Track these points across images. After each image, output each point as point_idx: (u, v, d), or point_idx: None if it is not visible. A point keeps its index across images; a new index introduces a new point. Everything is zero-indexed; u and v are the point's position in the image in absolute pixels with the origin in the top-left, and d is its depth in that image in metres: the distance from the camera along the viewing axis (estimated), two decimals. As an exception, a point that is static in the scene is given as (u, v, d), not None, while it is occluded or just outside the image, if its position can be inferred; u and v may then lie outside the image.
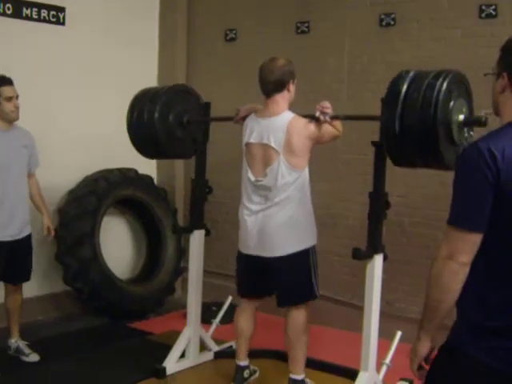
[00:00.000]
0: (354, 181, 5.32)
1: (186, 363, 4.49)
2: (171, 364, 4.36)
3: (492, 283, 2.09)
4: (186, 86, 4.78)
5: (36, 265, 5.53)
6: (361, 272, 4.48)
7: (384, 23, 5.20)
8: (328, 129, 3.90)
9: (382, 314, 3.92)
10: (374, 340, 3.77)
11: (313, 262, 3.98)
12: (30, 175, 4.73)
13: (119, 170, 5.85)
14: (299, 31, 5.70)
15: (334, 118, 3.83)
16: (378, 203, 3.70)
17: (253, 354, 4.34)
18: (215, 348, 4.66)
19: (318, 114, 3.81)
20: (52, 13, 5.55)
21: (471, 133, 3.38)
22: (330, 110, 3.82)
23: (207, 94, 5.32)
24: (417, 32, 5.05)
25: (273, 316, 4.88)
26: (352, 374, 3.95)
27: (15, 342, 4.75)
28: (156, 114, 4.34)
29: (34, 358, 4.70)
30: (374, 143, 3.73)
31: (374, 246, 3.69)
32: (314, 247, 3.99)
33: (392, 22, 5.16)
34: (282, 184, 3.83)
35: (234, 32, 6.11)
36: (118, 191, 5.77)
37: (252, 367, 4.25)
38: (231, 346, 4.78)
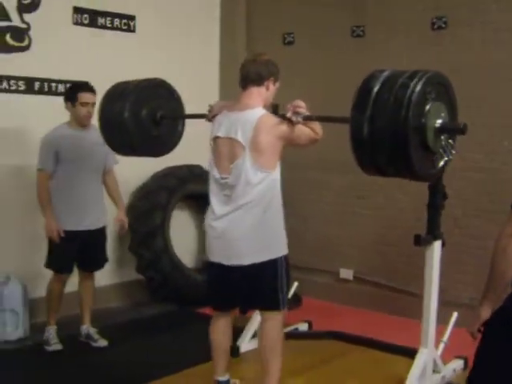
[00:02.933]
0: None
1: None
2: (244, 343, 4.73)
3: None
4: (160, 80, 4.44)
5: (110, 255, 5.97)
6: (415, 260, 4.83)
7: (436, 26, 5.51)
8: (304, 131, 3.61)
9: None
10: (432, 319, 4.10)
11: (281, 274, 3.62)
12: (108, 172, 5.03)
13: (187, 166, 6.22)
14: (354, 35, 6.01)
15: (306, 118, 3.55)
16: (437, 194, 4.03)
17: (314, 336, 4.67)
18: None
19: (289, 114, 3.51)
20: (124, 21, 6.00)
21: (450, 141, 3.10)
22: (303, 110, 3.53)
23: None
24: (468, 35, 5.33)
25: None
26: (411, 352, 4.26)
27: (86, 328, 5.06)
28: (126, 113, 4.08)
29: (102, 343, 4.98)
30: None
31: (434, 233, 4.02)
32: (283, 257, 3.64)
33: (443, 25, 5.47)
34: (245, 183, 3.51)
35: (292, 35, 6.45)
36: (186, 186, 6.13)
37: (232, 381, 4.01)
38: (297, 328, 5.16)
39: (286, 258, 3.67)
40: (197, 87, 6.32)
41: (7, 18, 5.27)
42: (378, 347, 4.81)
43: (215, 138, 3.70)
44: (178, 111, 4.46)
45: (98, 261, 5.08)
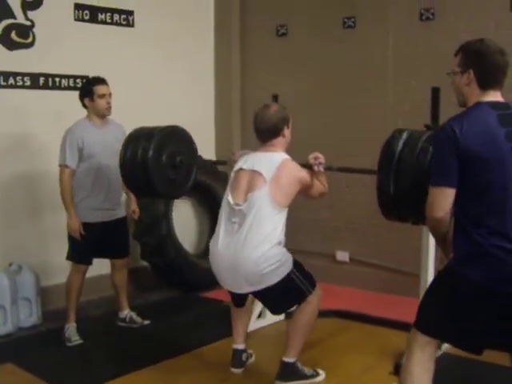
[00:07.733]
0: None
1: (263, 322, 5.10)
2: (251, 323, 4.85)
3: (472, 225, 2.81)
4: (179, 127, 4.75)
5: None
6: (408, 241, 5.06)
7: (424, 17, 5.76)
8: (317, 184, 4.01)
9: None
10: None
11: (295, 275, 3.84)
12: None
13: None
14: (346, 26, 6.22)
15: (327, 168, 4.03)
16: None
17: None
18: (286, 310, 5.23)
19: (315, 166, 3.97)
20: (123, 16, 6.19)
21: None
22: (323, 161, 3.98)
23: (261, 85, 5.95)
24: (454, 24, 5.54)
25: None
26: (408, 326, 4.47)
27: (127, 313, 5.30)
28: (150, 153, 4.38)
29: (145, 322, 5.29)
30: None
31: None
32: (292, 264, 3.84)
33: (431, 17, 5.72)
34: (257, 213, 3.73)
35: (285, 27, 6.66)
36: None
37: (249, 351, 4.29)
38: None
39: (294, 261, 3.88)
40: (196, 84, 6.74)
41: (12, 15, 5.46)
42: (377, 323, 5.07)
43: (238, 170, 3.96)
44: (193, 158, 4.79)
45: (127, 246, 5.24)
